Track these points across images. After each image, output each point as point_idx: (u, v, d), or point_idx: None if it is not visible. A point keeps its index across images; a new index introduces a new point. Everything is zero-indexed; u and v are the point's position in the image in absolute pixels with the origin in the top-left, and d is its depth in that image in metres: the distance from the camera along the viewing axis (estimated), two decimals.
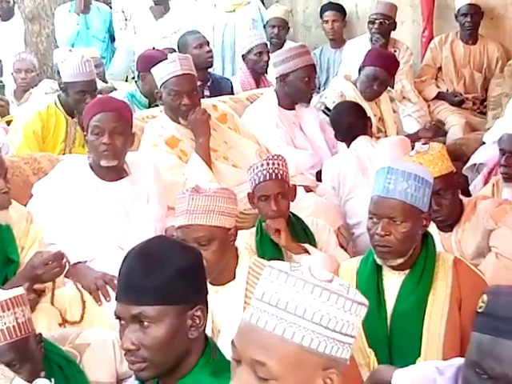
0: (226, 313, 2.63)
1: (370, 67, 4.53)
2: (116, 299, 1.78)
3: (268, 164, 3.23)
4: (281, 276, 1.41)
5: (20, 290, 2.10)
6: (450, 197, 3.24)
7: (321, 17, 6.26)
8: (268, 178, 3.21)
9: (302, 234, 3.31)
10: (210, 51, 5.22)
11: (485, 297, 1.56)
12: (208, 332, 2.56)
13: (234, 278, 2.65)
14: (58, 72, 4.68)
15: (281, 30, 6.07)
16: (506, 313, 1.50)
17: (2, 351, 2.00)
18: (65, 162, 3.49)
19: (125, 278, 1.76)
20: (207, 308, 1.82)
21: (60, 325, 2.74)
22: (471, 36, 5.81)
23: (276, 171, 3.23)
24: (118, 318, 1.77)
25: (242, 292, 2.63)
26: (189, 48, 5.12)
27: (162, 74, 3.80)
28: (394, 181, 2.56)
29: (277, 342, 1.38)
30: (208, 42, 5.29)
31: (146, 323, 1.73)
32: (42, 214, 3.20)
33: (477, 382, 1.54)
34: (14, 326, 2.00)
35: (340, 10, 6.22)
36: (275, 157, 3.28)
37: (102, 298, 3.04)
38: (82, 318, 2.80)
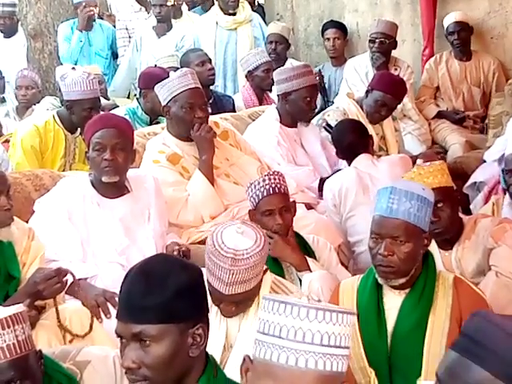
0: (240, 329, 2.63)
1: (379, 92, 4.53)
2: (117, 318, 1.78)
3: (270, 179, 3.24)
4: (275, 305, 1.45)
5: (20, 307, 2.09)
6: (448, 210, 3.24)
7: (322, 35, 6.29)
8: (272, 192, 3.22)
9: (303, 251, 3.31)
10: (212, 69, 5.25)
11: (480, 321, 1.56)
12: (220, 347, 2.57)
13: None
14: (60, 89, 4.71)
15: (278, 45, 6.09)
16: (474, 334, 1.48)
17: (1, 369, 2.00)
18: (66, 178, 3.50)
19: (126, 297, 1.77)
20: (208, 326, 1.82)
21: (63, 337, 2.74)
22: (463, 53, 5.85)
23: (278, 186, 3.24)
24: (119, 336, 1.77)
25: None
26: (191, 65, 5.14)
27: (172, 88, 3.78)
28: (397, 201, 2.56)
29: (297, 375, 1.43)
30: (210, 60, 5.32)
31: (146, 342, 1.73)
32: (44, 231, 3.20)
33: None
34: (14, 344, 2.00)
35: (341, 28, 6.26)
36: (275, 172, 3.31)
37: (102, 314, 3.03)
38: (85, 334, 2.80)
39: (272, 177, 3.25)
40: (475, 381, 1.45)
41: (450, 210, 3.25)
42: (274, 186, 3.23)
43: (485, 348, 1.45)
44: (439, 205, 3.17)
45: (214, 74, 5.26)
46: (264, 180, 3.24)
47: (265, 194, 3.22)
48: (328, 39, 6.20)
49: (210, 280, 2.53)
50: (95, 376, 2.10)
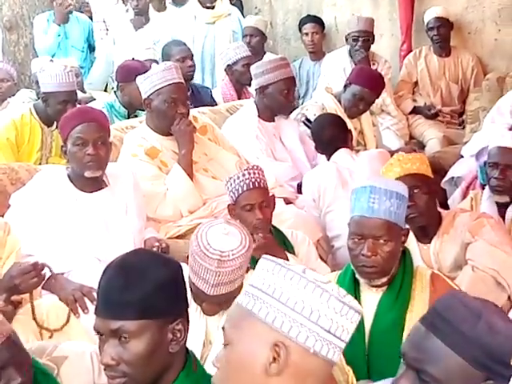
0: (220, 326, 2.61)
1: (357, 86, 4.53)
2: (95, 313, 1.76)
3: (249, 174, 3.23)
4: (277, 268, 1.50)
5: None
6: (425, 197, 3.25)
7: (300, 29, 6.29)
8: (251, 186, 3.21)
9: (282, 246, 3.30)
10: (192, 66, 5.24)
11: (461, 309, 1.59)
12: (200, 343, 2.56)
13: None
14: (37, 82, 4.67)
15: (253, 38, 6.07)
16: (443, 310, 1.56)
17: None
18: (43, 172, 3.47)
19: (104, 293, 1.75)
20: (188, 321, 1.81)
21: (40, 329, 2.72)
22: (443, 48, 5.87)
23: (258, 180, 3.24)
24: (98, 332, 1.75)
25: None
26: (171, 59, 5.12)
27: (155, 81, 3.74)
28: (378, 200, 2.56)
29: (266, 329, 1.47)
30: (192, 56, 5.29)
31: (125, 338, 1.72)
32: (20, 225, 3.17)
33: (401, 371, 1.59)
34: None
35: (319, 22, 6.26)
36: (254, 167, 3.30)
37: (79, 310, 3.01)
38: (62, 327, 2.78)
39: (252, 171, 3.24)
40: (436, 354, 1.51)
41: (427, 198, 3.26)
42: (253, 180, 3.22)
43: (450, 325, 1.51)
44: (415, 190, 3.19)
45: (193, 71, 5.26)
46: (244, 174, 3.23)
47: (245, 188, 3.21)
48: (306, 34, 6.21)
49: (195, 280, 2.52)
50: (72, 371, 2.09)
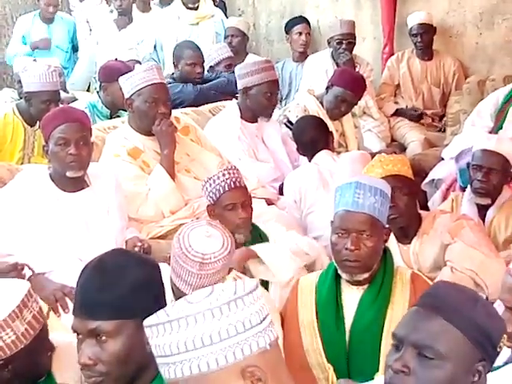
0: None
1: (339, 88, 4.55)
2: (73, 313, 1.77)
3: (229, 174, 3.25)
4: (167, 327, 1.41)
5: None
6: (405, 198, 3.28)
7: (289, 30, 6.23)
8: (233, 186, 3.23)
9: (258, 239, 3.33)
10: (200, 73, 5.18)
11: (506, 339, 1.72)
12: None
13: None
14: (19, 81, 4.66)
15: (234, 38, 6.08)
16: (434, 292, 1.66)
17: None
18: (24, 171, 3.46)
19: (81, 293, 1.76)
20: None
21: None
22: (425, 53, 5.91)
23: (238, 180, 3.26)
24: (75, 332, 1.76)
25: None
26: (181, 61, 5.13)
27: (137, 81, 3.75)
28: (362, 195, 2.59)
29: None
30: (202, 62, 5.22)
31: (102, 338, 1.73)
32: (1, 224, 3.17)
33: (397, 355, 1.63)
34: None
35: (308, 23, 6.26)
36: (232, 167, 3.32)
37: (60, 309, 3.01)
38: None
39: (231, 171, 3.26)
40: (440, 332, 1.59)
41: (407, 199, 3.30)
42: (234, 180, 3.24)
43: (451, 305, 1.60)
44: (396, 191, 3.22)
45: (200, 78, 5.18)
46: (224, 175, 3.24)
47: (226, 188, 3.22)
48: (300, 33, 6.15)
49: (177, 282, 2.52)
50: (59, 362, 2.10)
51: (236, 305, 1.40)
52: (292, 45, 6.22)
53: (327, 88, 4.63)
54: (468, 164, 3.75)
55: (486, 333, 1.59)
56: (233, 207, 3.22)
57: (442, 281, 1.79)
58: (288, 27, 6.27)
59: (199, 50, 5.26)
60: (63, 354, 2.09)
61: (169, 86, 4.82)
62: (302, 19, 6.25)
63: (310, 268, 3.28)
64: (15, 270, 2.75)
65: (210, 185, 3.26)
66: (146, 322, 1.45)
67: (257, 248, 3.19)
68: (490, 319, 1.62)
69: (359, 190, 2.60)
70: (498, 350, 1.66)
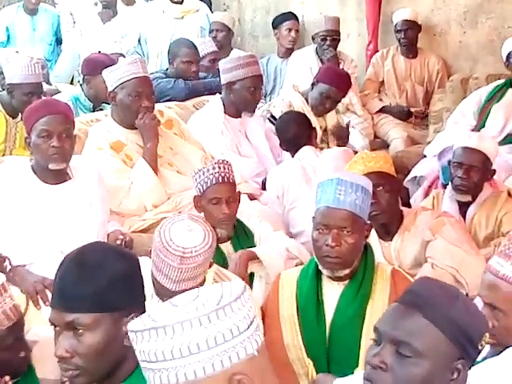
0: None
1: (324, 85, 4.57)
2: (50, 306, 1.77)
3: (219, 167, 3.24)
4: (153, 333, 1.37)
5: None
6: (387, 195, 3.30)
7: (277, 26, 6.20)
8: (221, 180, 3.22)
9: (242, 234, 3.34)
10: (195, 71, 5.16)
11: (487, 337, 1.68)
12: None
13: None
14: (2, 72, 4.63)
15: (219, 32, 6.07)
16: (417, 288, 1.65)
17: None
18: (6, 163, 3.45)
19: (59, 285, 1.75)
20: None
21: None
22: (409, 50, 5.93)
23: (227, 175, 3.25)
24: (53, 324, 1.75)
25: None
26: (176, 59, 5.11)
27: (120, 74, 3.74)
28: (344, 192, 2.60)
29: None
30: (198, 61, 5.21)
31: (80, 331, 1.72)
32: None
33: (376, 350, 1.63)
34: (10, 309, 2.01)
35: (297, 19, 6.25)
36: (224, 161, 3.30)
37: (40, 302, 3.00)
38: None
39: (222, 165, 3.25)
40: (419, 329, 1.58)
41: (389, 196, 3.31)
42: (223, 174, 3.24)
43: (430, 302, 1.59)
44: (378, 188, 3.23)
45: (195, 77, 5.16)
46: (214, 168, 3.24)
47: (213, 181, 3.22)
48: (289, 30, 6.12)
49: (157, 276, 2.52)
50: (42, 356, 2.10)
51: (224, 312, 1.36)
52: (280, 41, 6.20)
53: (312, 84, 4.64)
54: (449, 161, 3.77)
55: (465, 331, 1.59)
56: (217, 201, 3.22)
57: (424, 277, 1.78)
58: (276, 23, 6.24)
59: (196, 48, 5.23)
60: (44, 348, 2.08)
61: (160, 81, 4.82)
62: (291, 15, 6.23)
63: None
64: None
65: (199, 176, 3.25)
66: (131, 326, 1.42)
67: (257, 250, 3.19)
68: (470, 317, 1.61)
69: (340, 186, 2.60)
70: (480, 347, 1.65)
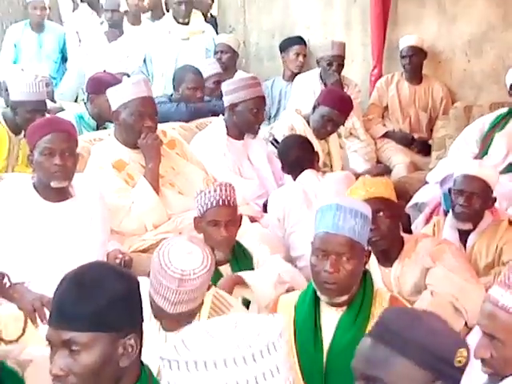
0: None
1: (326, 108, 4.59)
2: (48, 323, 1.76)
3: (221, 190, 3.24)
4: (191, 365, 1.28)
5: None
6: (387, 221, 3.29)
7: (285, 49, 6.24)
8: (221, 203, 3.22)
9: (241, 257, 3.34)
10: (200, 97, 5.19)
11: (464, 352, 1.63)
12: (158, 358, 2.55)
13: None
14: (6, 89, 4.65)
15: (224, 54, 6.11)
16: (386, 320, 1.61)
17: None
18: (7, 180, 3.45)
19: (58, 303, 1.76)
20: (141, 336, 1.81)
21: None
22: (414, 76, 5.96)
23: (229, 198, 3.25)
24: (49, 342, 1.75)
25: None
26: (182, 84, 5.15)
27: (124, 94, 3.77)
28: (342, 217, 2.59)
29: None
30: (203, 87, 5.24)
31: (76, 349, 1.72)
32: None
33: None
34: None
35: (305, 44, 6.27)
36: (227, 184, 3.30)
37: (38, 320, 2.99)
38: (18, 337, 2.76)
39: (224, 188, 3.26)
40: (384, 360, 1.56)
41: (390, 222, 3.30)
42: (224, 197, 3.24)
43: (393, 331, 1.57)
44: (379, 214, 3.23)
45: (201, 102, 5.20)
46: (215, 190, 3.24)
47: (214, 204, 3.22)
48: (297, 54, 6.17)
49: (155, 297, 2.52)
50: (36, 375, 2.08)
51: (268, 351, 1.28)
52: (287, 64, 6.23)
53: (314, 107, 4.66)
54: (450, 189, 3.77)
55: (432, 352, 1.55)
56: (216, 224, 3.22)
57: (388, 307, 1.74)
58: (284, 46, 6.28)
59: (201, 74, 5.27)
60: (38, 367, 2.07)
61: (163, 105, 4.83)
62: (300, 40, 6.27)
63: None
64: None
65: (201, 197, 3.26)
66: (163, 353, 1.33)
67: (244, 274, 3.18)
68: (435, 337, 1.57)
69: (339, 212, 2.59)
70: (459, 364, 1.61)
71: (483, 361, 2.00)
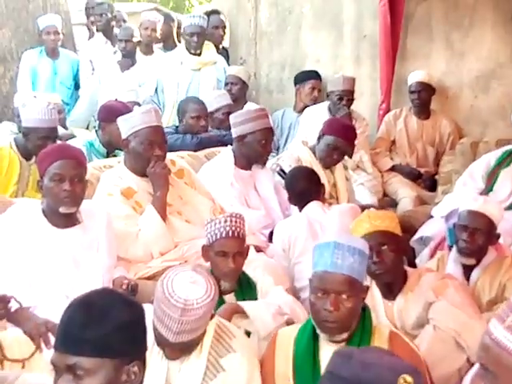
0: (181, 370, 2.64)
1: (330, 136, 4.63)
2: (54, 347, 1.79)
3: (231, 221, 3.25)
4: None
5: None
6: (391, 254, 3.30)
7: (300, 82, 6.29)
8: (230, 235, 3.23)
9: (246, 286, 3.35)
10: (204, 126, 5.28)
11: (408, 378, 1.62)
12: None
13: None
14: (19, 115, 4.71)
15: (233, 86, 6.15)
16: (328, 366, 1.65)
17: None
18: (17, 205, 3.49)
19: (64, 328, 1.78)
20: (145, 364, 1.83)
21: (1, 361, 2.72)
22: (422, 112, 6.01)
23: (238, 230, 3.26)
24: (54, 366, 1.77)
25: (205, 356, 2.64)
26: (185, 115, 5.23)
27: (134, 123, 3.82)
28: (341, 256, 2.60)
29: None
30: (206, 116, 5.33)
31: (80, 374, 1.74)
32: None
33: None
34: None
35: (321, 79, 6.33)
36: (237, 215, 3.31)
37: (42, 344, 3.01)
38: (23, 360, 2.78)
39: (234, 219, 3.27)
40: None
41: (394, 255, 3.31)
42: (234, 229, 3.25)
43: (332, 374, 1.59)
44: (383, 247, 3.26)
45: (205, 130, 5.29)
46: (226, 221, 3.25)
47: (223, 235, 3.24)
48: (313, 89, 6.24)
49: (158, 327, 2.53)
50: None
51: None
52: (301, 97, 6.27)
53: (319, 138, 4.70)
54: (454, 224, 3.78)
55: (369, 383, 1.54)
56: (224, 255, 3.24)
57: (340, 354, 1.73)
58: (299, 79, 6.33)
59: (203, 104, 5.35)
60: None
61: (170, 137, 4.89)
62: (316, 74, 6.32)
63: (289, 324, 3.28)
64: (2, 302, 2.75)
65: (211, 226, 3.27)
66: None
67: (244, 304, 3.19)
68: (368, 369, 1.56)
69: (338, 250, 2.60)
70: None
71: None
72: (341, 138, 4.63)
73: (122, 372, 1.76)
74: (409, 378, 1.62)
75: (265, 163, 4.51)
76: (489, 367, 2.01)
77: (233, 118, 4.48)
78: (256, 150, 4.37)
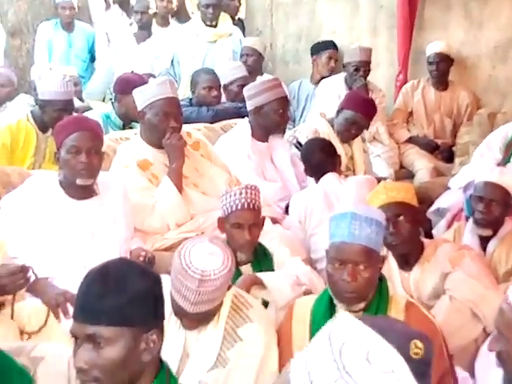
0: (198, 339, 2.66)
1: (349, 111, 4.59)
2: (73, 317, 1.81)
3: (247, 193, 3.25)
4: None
5: None
6: (408, 226, 3.29)
7: (317, 53, 6.26)
8: (246, 206, 3.23)
9: (262, 257, 3.35)
10: (216, 96, 5.27)
11: (419, 343, 1.62)
12: (177, 356, 2.59)
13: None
14: (35, 88, 4.72)
15: (249, 57, 6.13)
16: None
17: None
18: (35, 177, 3.51)
19: (82, 298, 1.79)
20: (163, 332, 1.85)
21: (21, 334, 2.75)
22: (440, 83, 5.95)
23: (253, 201, 3.26)
24: (73, 336, 1.79)
25: (222, 325, 2.67)
26: (197, 86, 5.23)
27: (149, 94, 3.80)
28: (358, 226, 2.60)
29: None
30: (219, 86, 5.31)
31: (100, 343, 1.75)
32: (8, 228, 3.21)
33: None
34: None
35: (337, 49, 6.30)
36: (252, 187, 3.31)
37: (61, 315, 3.04)
38: (40, 329, 2.81)
39: (249, 191, 3.26)
40: None
41: (410, 226, 3.31)
42: (249, 200, 3.25)
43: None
44: (399, 218, 3.25)
45: (218, 102, 5.27)
46: (241, 193, 3.25)
47: (239, 207, 3.23)
48: (330, 58, 6.21)
49: (175, 297, 2.55)
50: (48, 373, 2.11)
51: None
52: (318, 68, 6.24)
53: (338, 111, 4.67)
54: (470, 195, 3.77)
55: None
56: (239, 227, 3.24)
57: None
58: (316, 50, 6.30)
59: (215, 74, 5.33)
60: (49, 364, 2.10)
61: (185, 109, 4.89)
62: (333, 44, 6.28)
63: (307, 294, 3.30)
64: (22, 272, 2.79)
65: (226, 198, 3.27)
66: None
67: (262, 275, 3.20)
68: (381, 337, 1.51)
69: (355, 221, 2.60)
70: (416, 356, 1.57)
71: (496, 354, 2.04)
72: (360, 113, 4.59)
73: (140, 340, 1.78)
74: (420, 344, 1.62)
75: (283, 132, 4.49)
76: (502, 331, 2.03)
77: (247, 91, 4.46)
78: (274, 119, 4.36)
